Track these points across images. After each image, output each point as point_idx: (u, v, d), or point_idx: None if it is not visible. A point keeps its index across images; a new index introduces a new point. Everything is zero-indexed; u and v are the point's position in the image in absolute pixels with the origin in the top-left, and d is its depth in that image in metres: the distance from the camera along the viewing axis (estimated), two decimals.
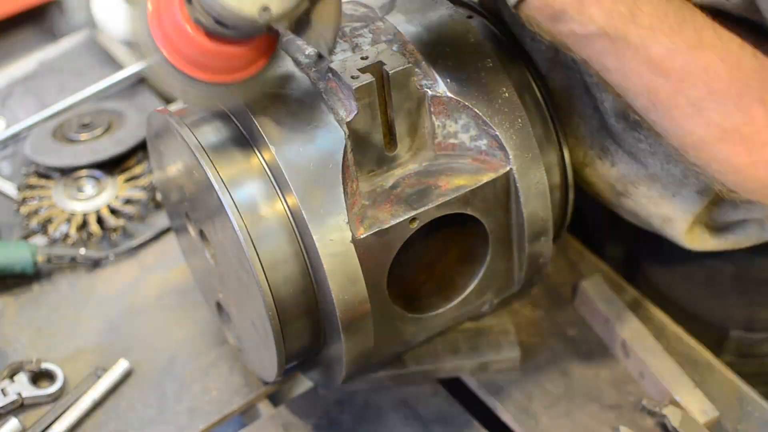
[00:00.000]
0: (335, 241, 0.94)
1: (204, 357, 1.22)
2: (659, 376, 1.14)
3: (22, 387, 1.17)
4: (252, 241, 0.95)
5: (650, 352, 1.17)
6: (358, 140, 0.97)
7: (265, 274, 0.96)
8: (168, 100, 1.52)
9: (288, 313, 0.99)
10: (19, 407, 1.17)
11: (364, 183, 0.99)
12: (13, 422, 1.14)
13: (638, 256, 1.33)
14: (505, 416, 1.16)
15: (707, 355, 1.20)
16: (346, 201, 0.94)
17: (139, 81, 1.54)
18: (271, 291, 0.97)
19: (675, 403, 1.13)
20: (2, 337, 1.24)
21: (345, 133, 0.96)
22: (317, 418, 1.16)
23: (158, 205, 1.37)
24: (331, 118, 0.96)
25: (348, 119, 0.96)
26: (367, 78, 0.96)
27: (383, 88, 0.98)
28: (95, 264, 1.31)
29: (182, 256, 1.24)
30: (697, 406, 1.12)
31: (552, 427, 1.14)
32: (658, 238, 1.20)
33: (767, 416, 1.14)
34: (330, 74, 0.98)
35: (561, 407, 1.16)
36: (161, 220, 1.36)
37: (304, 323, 1.01)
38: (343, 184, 0.94)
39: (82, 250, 1.30)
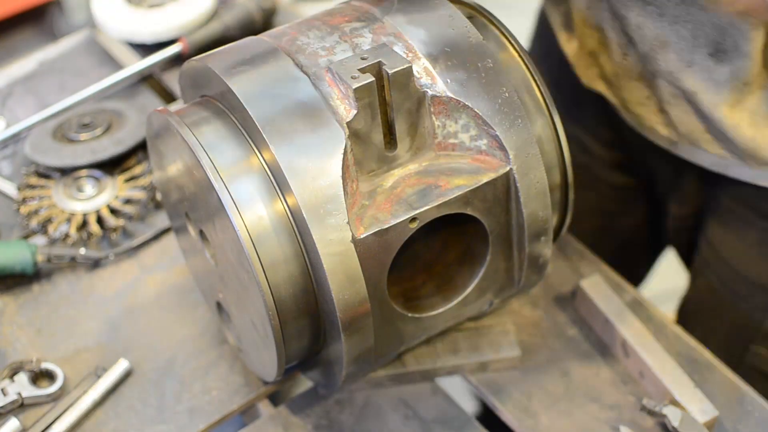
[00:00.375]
0: (335, 240, 0.94)
1: (204, 357, 1.22)
2: (659, 376, 1.14)
3: (22, 387, 1.17)
4: (252, 241, 0.95)
5: (650, 352, 1.17)
6: (358, 140, 0.97)
7: (265, 274, 0.96)
8: (168, 100, 1.52)
9: (288, 313, 0.99)
10: (19, 407, 1.17)
11: (364, 183, 0.99)
12: (13, 422, 1.14)
13: (703, 216, 1.36)
14: (505, 416, 1.16)
15: (707, 355, 1.20)
16: (346, 201, 0.94)
17: (139, 81, 1.54)
18: (271, 291, 0.97)
19: (675, 403, 1.13)
20: (2, 337, 1.24)
21: (345, 133, 0.96)
22: (317, 418, 1.16)
23: (158, 205, 1.37)
24: (331, 117, 0.96)
25: (348, 119, 0.96)
26: (367, 78, 0.96)
27: (383, 88, 0.98)
28: (95, 264, 1.31)
29: (182, 256, 1.24)
30: (697, 406, 1.12)
31: (552, 427, 1.14)
32: (718, 196, 1.28)
33: (767, 416, 1.14)
34: (330, 74, 0.98)
35: (561, 407, 1.16)
36: (161, 220, 1.36)
37: (304, 323, 1.01)
38: (343, 184, 0.95)
39: (82, 250, 1.30)
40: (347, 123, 0.96)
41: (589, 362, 1.20)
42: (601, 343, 1.22)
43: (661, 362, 1.16)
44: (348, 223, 0.94)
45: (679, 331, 1.22)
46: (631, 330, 1.19)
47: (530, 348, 1.21)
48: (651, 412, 1.13)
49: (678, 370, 1.15)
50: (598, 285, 1.23)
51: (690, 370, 1.16)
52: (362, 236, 0.95)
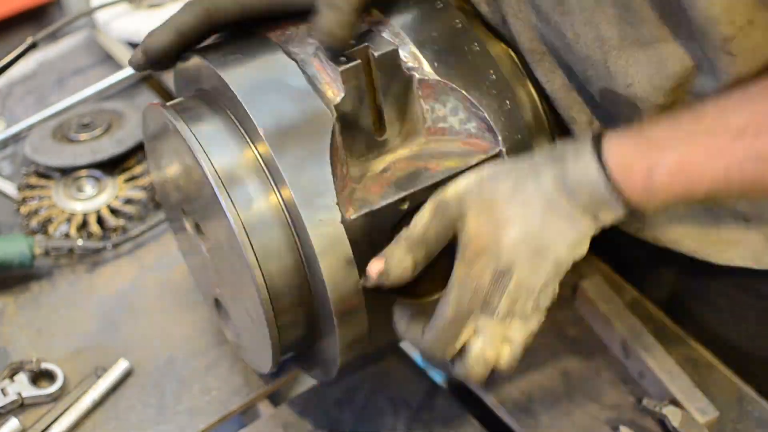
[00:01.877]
0: (325, 221, 0.94)
1: (204, 357, 1.22)
2: (659, 376, 1.14)
3: (22, 387, 1.17)
4: (245, 229, 0.95)
5: (650, 352, 1.16)
6: (346, 124, 0.97)
7: (258, 261, 0.96)
8: (168, 100, 1.52)
9: (281, 300, 0.98)
10: (19, 407, 1.17)
11: (354, 168, 0.99)
12: (13, 422, 1.14)
13: (684, 298, 1.28)
14: (505, 416, 1.16)
15: (707, 355, 1.20)
16: (335, 183, 0.94)
17: (139, 81, 1.54)
18: (263, 277, 0.96)
19: (675, 403, 1.12)
20: (2, 337, 1.24)
21: (333, 115, 0.96)
22: (317, 418, 1.16)
23: (158, 205, 1.37)
24: (320, 101, 0.97)
25: (336, 102, 0.96)
26: (354, 60, 0.96)
27: (370, 72, 0.98)
28: (95, 252, 1.30)
29: (182, 256, 1.24)
30: (697, 406, 1.12)
31: (552, 427, 1.14)
32: (705, 278, 1.20)
33: (767, 416, 1.14)
34: (317, 59, 0.98)
35: (561, 407, 1.16)
36: (161, 219, 1.36)
37: (298, 311, 1.01)
38: (331, 165, 0.94)
39: (80, 241, 1.29)
40: (335, 106, 0.96)
41: (589, 362, 1.20)
42: (601, 343, 1.22)
43: (661, 362, 1.15)
44: (338, 204, 0.94)
45: (679, 331, 1.22)
46: (631, 330, 1.19)
47: (530, 348, 1.21)
48: (651, 412, 1.13)
49: (678, 370, 1.15)
50: (598, 285, 1.23)
51: (690, 370, 1.16)
52: (352, 217, 0.94)
